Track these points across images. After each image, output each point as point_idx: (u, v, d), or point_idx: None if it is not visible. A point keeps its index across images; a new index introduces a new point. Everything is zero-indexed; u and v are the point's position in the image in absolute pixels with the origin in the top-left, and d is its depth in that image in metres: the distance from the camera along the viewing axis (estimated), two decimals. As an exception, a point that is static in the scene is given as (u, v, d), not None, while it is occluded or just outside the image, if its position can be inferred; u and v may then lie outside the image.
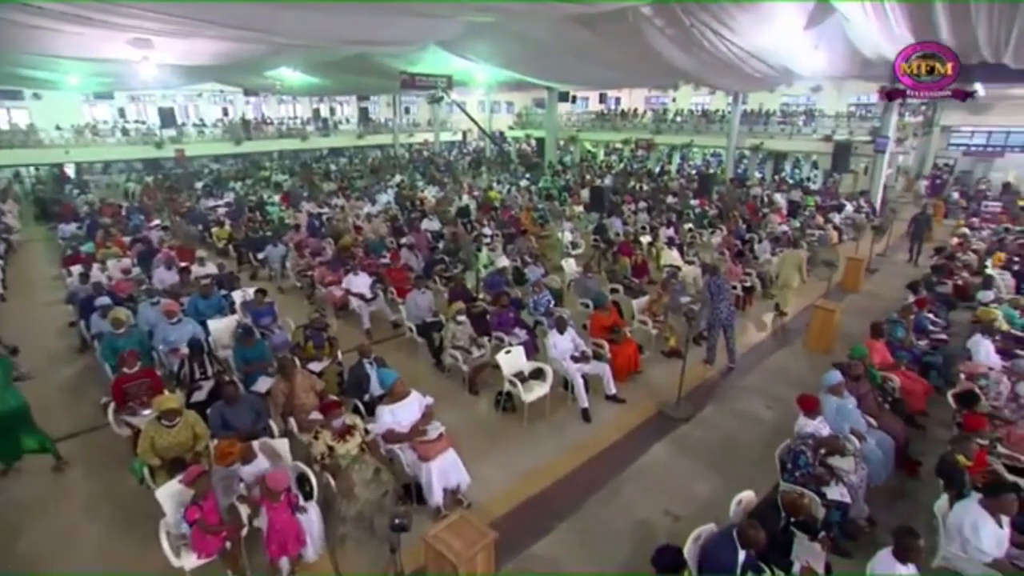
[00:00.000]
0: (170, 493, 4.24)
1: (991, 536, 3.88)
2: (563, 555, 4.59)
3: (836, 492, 4.56)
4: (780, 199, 17.45)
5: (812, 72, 14.86)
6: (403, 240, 11.90)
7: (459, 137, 38.59)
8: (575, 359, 6.56)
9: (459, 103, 21.75)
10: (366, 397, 5.89)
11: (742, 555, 3.64)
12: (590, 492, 5.29)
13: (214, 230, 13.46)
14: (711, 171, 24.40)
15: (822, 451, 4.67)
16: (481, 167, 28.83)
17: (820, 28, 12.15)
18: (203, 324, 7.20)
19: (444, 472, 4.92)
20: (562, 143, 30.64)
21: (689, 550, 3.81)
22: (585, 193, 17.37)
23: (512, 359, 6.46)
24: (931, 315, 8.18)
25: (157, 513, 4.19)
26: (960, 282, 9.88)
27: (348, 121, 34.84)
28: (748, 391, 7.24)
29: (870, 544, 4.24)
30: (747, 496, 4.24)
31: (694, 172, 25.86)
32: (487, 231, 12.32)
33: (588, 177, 22.59)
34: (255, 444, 4.74)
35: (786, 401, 5.97)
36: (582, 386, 6.38)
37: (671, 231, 12.41)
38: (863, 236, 13.79)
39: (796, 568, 3.90)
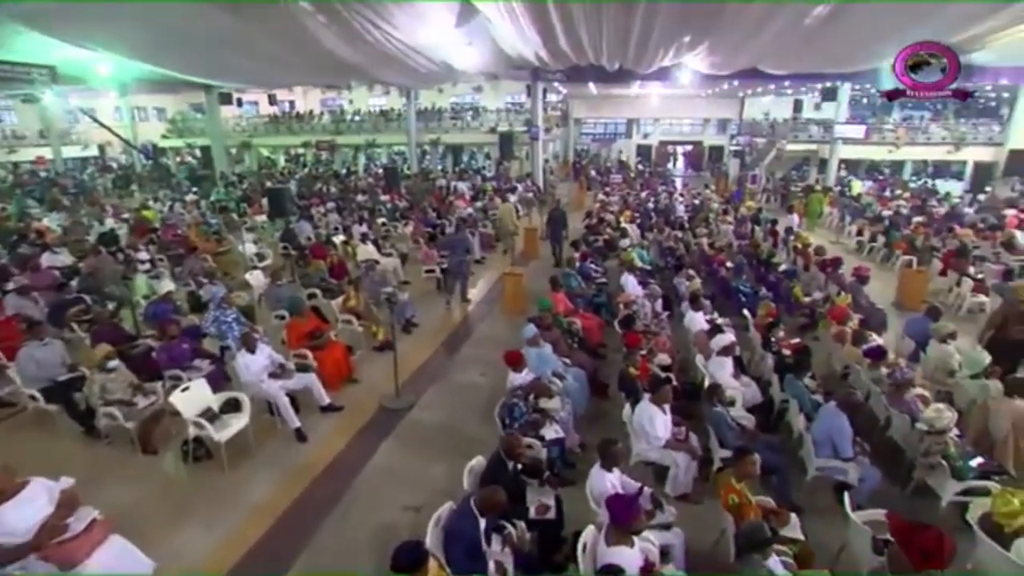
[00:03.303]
0: None
1: (661, 424, 4.70)
2: (302, 597, 3.89)
3: (552, 431, 4.93)
4: (462, 186, 18.92)
5: (467, 67, 16.23)
6: (9, 284, 8.72)
7: (95, 151, 30.90)
8: (274, 376, 5.68)
9: (86, 109, 17.14)
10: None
11: (483, 522, 3.56)
12: (322, 514, 4.68)
13: None
14: (397, 167, 25.10)
15: (532, 397, 4.97)
16: (131, 184, 23.70)
17: (470, 27, 13.29)
18: None
19: (110, 570, 3.61)
20: (234, 151, 27.42)
21: (431, 536, 3.56)
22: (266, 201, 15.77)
23: (193, 396, 5.22)
24: (592, 265, 9.80)
25: None
26: (607, 236, 12.22)
27: None
28: (462, 363, 7.47)
29: (587, 466, 4.64)
30: (476, 462, 4.21)
31: (380, 170, 26.25)
32: (143, 256, 10.00)
33: (269, 184, 20.67)
34: None
35: (496, 363, 6.25)
36: (288, 405, 5.56)
37: (364, 227, 12.22)
38: (533, 211, 15.93)
39: (532, 512, 4.03)
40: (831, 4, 7.76)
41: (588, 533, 3.56)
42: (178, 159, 29.53)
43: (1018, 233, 12.70)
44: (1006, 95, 22.64)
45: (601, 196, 18.45)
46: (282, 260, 11.31)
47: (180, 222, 14.26)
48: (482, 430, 5.50)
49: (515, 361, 5.35)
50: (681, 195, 19.16)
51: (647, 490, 4.04)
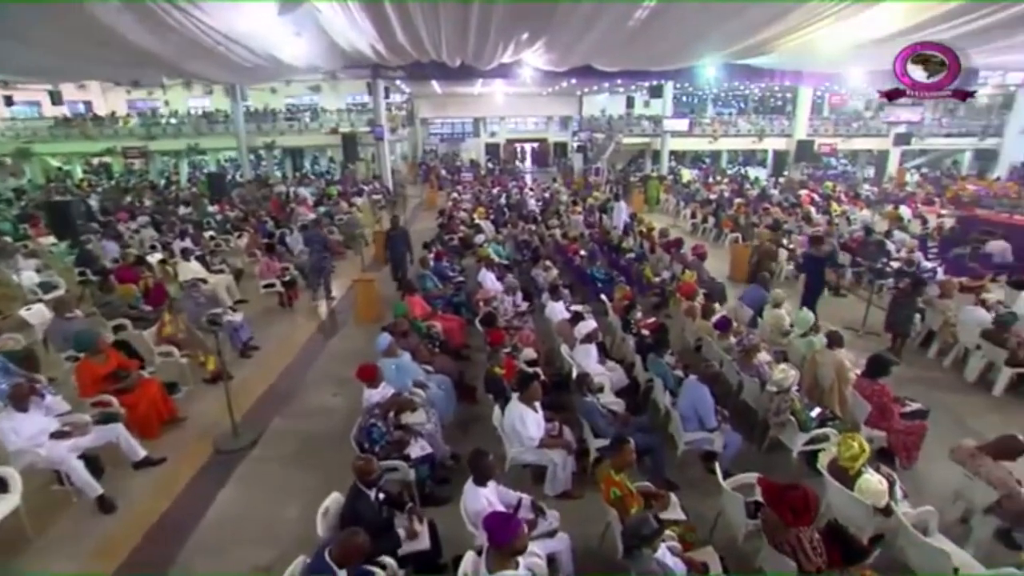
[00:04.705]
0: None
1: (533, 422, 4.43)
2: None
3: (418, 448, 4.44)
4: (305, 192, 17.48)
5: (297, 61, 14.84)
6: None
7: None
8: (61, 436, 4.46)
9: None
10: None
11: (343, 574, 2.98)
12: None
13: None
14: (225, 174, 22.56)
15: (392, 414, 4.43)
16: None
17: (297, 17, 12.03)
18: None
19: None
20: (8, 161, 22.61)
21: (280, 606, 2.90)
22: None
23: (-75, 481, 3.88)
24: (448, 264, 9.40)
25: None
26: (461, 234, 11.88)
27: None
28: (313, 385, 6.66)
29: (462, 479, 4.26)
30: (332, 501, 3.59)
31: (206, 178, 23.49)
32: None
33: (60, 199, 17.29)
34: None
35: (351, 381, 5.56)
36: (82, 470, 4.36)
37: (187, 242, 10.56)
38: (383, 214, 15.17)
39: (403, 535, 3.54)
40: (649, 6, 8.20)
41: (468, 560, 3.15)
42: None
43: (812, 209, 14.87)
44: (789, 95, 26.61)
45: (453, 195, 18.19)
46: (80, 288, 9.35)
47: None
48: (339, 461, 4.79)
49: (370, 375, 4.76)
50: (531, 190, 19.60)
51: (526, 498, 3.75)
